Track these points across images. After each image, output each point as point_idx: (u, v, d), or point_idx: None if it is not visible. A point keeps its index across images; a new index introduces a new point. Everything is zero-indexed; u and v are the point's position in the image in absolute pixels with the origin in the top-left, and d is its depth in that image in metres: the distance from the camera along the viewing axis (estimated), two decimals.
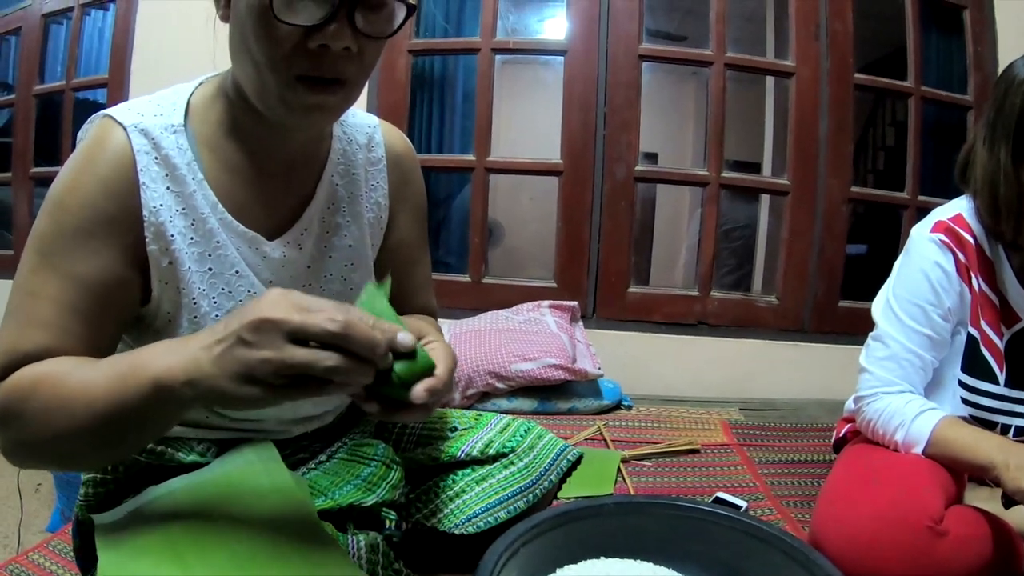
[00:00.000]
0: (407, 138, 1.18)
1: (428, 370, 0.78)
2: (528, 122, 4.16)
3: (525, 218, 4.62)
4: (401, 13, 0.86)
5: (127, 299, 0.89)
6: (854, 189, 2.75)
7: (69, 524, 1.47)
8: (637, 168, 2.73)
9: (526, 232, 4.62)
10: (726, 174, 2.77)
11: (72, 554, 1.35)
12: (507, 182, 3.43)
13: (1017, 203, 1.35)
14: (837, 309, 2.73)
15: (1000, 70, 2.55)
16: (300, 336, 0.68)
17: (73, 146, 2.57)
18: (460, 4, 3.09)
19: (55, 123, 3.26)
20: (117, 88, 3.01)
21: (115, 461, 0.97)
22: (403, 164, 1.15)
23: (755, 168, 2.92)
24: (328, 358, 0.68)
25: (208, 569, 0.76)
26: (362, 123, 1.11)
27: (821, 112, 2.71)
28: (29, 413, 0.77)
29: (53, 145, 3.26)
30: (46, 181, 3.32)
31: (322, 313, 0.69)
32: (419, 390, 0.76)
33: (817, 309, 2.75)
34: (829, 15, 2.69)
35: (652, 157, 5.32)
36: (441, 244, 3.52)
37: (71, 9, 3.23)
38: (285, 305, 0.69)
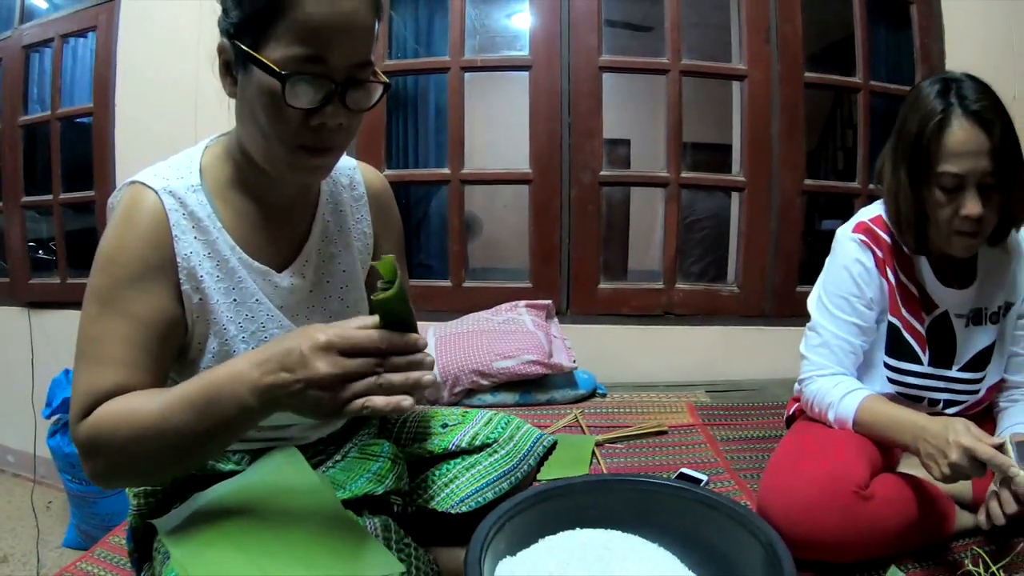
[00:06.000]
0: (382, 175, 1.36)
1: None
2: (501, 125, 4.23)
3: (502, 215, 4.74)
4: (379, 90, 1.04)
5: (177, 332, 1.06)
6: (807, 182, 2.88)
7: (111, 533, 1.64)
8: (602, 173, 2.87)
9: (504, 227, 4.73)
10: (685, 174, 2.91)
11: (116, 559, 1.53)
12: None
13: (915, 220, 1.51)
14: (795, 294, 2.85)
15: (947, 63, 2.70)
16: (347, 350, 0.85)
17: (65, 175, 2.71)
18: (429, 25, 3.22)
19: (44, 152, 3.33)
20: (102, 116, 3.08)
21: (193, 471, 1.14)
22: (381, 199, 1.33)
23: (726, 150, 3.05)
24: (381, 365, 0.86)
25: (264, 552, 0.94)
26: (343, 166, 1.28)
27: (773, 111, 2.82)
28: (118, 444, 0.93)
29: (45, 173, 3.33)
30: (38, 209, 3.42)
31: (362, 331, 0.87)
32: None
33: (776, 295, 2.89)
34: (779, 18, 2.80)
35: (624, 143, 5.42)
36: (422, 250, 3.65)
37: (51, 40, 3.28)
38: (326, 337, 0.86)
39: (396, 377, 0.86)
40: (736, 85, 2.91)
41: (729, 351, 2.90)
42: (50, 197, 3.33)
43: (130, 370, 0.98)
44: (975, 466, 1.27)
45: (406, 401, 0.85)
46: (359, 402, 0.84)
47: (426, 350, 0.91)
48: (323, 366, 0.84)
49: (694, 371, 2.84)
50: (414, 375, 0.87)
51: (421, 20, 3.25)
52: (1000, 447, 1.27)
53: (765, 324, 2.90)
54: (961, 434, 1.29)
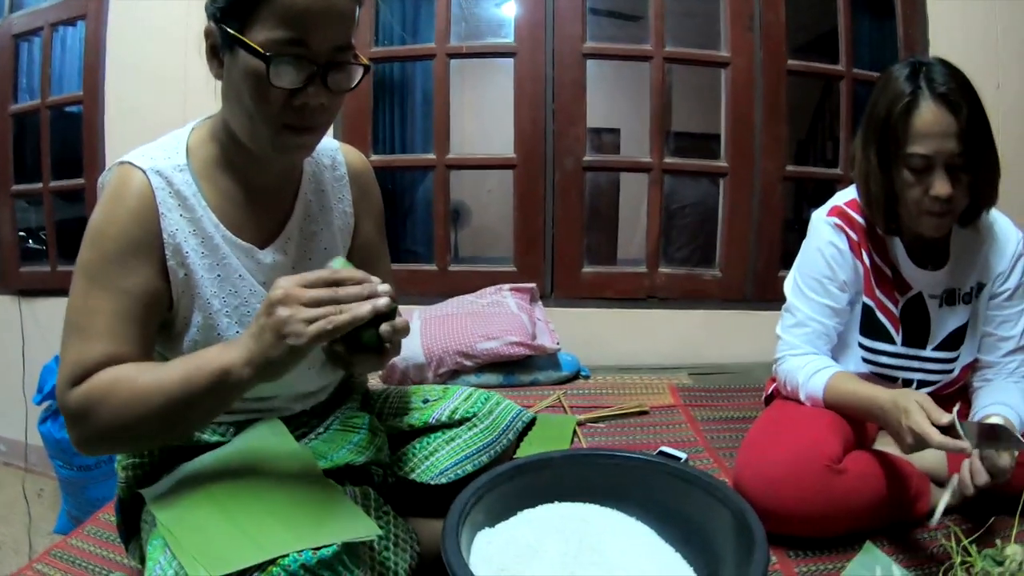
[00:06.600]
0: (363, 156, 1.39)
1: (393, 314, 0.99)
2: (487, 111, 4.27)
3: (489, 201, 4.77)
4: (359, 71, 1.08)
5: (162, 305, 1.10)
6: (789, 168, 2.92)
7: (101, 510, 1.68)
8: (585, 158, 2.90)
9: (491, 213, 4.75)
10: (668, 159, 2.94)
11: (106, 535, 1.57)
12: (471, 171, 3.58)
13: (885, 201, 1.55)
14: (776, 278, 2.87)
15: (930, 52, 2.75)
16: (306, 285, 0.92)
17: (55, 165, 2.72)
18: (415, 12, 3.25)
19: (33, 141, 3.34)
20: (92, 104, 3.09)
21: (182, 439, 1.18)
22: (361, 179, 1.36)
23: (715, 139, 3.08)
24: (336, 292, 0.92)
25: (246, 515, 0.98)
26: (326, 147, 1.31)
27: (756, 99, 2.85)
28: (108, 409, 0.97)
29: (34, 162, 3.34)
30: (28, 197, 3.43)
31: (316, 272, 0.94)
32: (385, 327, 0.95)
33: (758, 279, 2.93)
34: (762, 6, 2.82)
35: (614, 132, 5.43)
36: (409, 234, 3.68)
37: (41, 28, 3.28)
38: (288, 278, 0.93)
39: (352, 290, 0.93)
40: (723, 74, 2.93)
41: (711, 334, 2.93)
42: (40, 185, 3.34)
43: (118, 341, 1.03)
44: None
45: (364, 307, 0.92)
46: (320, 322, 0.90)
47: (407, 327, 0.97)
48: (282, 285, 0.92)
49: (677, 354, 2.88)
50: (368, 291, 0.94)
51: (407, 7, 3.28)
52: (950, 427, 1.30)
53: (747, 308, 2.94)
54: (913, 414, 1.32)
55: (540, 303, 2.87)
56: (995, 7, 2.78)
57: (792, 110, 2.92)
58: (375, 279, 0.96)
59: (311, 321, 0.90)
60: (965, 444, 1.27)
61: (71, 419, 1.01)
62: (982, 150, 1.46)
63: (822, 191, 3.70)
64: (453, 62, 2.97)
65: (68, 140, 3.27)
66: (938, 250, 1.65)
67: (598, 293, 2.96)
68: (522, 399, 2.28)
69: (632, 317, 2.94)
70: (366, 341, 0.96)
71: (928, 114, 1.44)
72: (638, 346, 2.90)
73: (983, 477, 1.33)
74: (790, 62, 2.87)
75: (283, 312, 0.90)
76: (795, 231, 3.04)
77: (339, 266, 0.99)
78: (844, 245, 1.64)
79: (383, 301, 0.93)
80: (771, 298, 2.78)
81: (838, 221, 1.65)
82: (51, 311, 3.16)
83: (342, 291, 0.93)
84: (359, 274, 0.96)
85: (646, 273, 2.96)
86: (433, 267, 3.04)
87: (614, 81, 4.72)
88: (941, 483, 1.58)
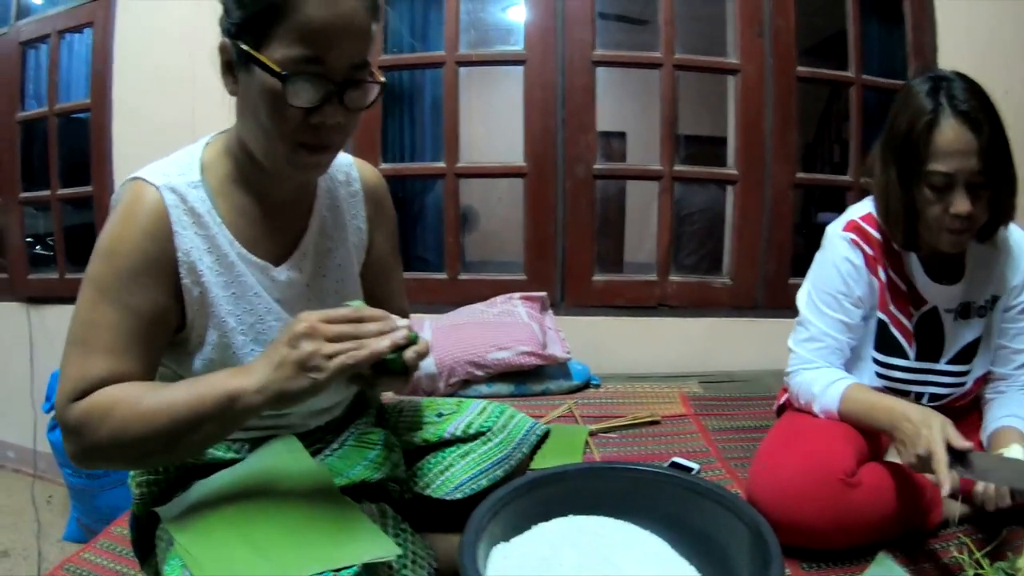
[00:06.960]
0: (377, 171, 1.39)
1: (414, 341, 1.00)
2: (496, 119, 4.25)
3: (497, 209, 4.78)
4: (376, 89, 1.07)
5: (169, 325, 1.09)
6: (800, 175, 2.91)
7: (114, 524, 1.67)
8: (596, 166, 2.89)
9: (499, 220, 4.76)
10: (679, 167, 2.93)
11: (119, 548, 1.56)
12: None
13: (905, 217, 1.53)
14: (787, 286, 2.87)
15: (939, 57, 2.72)
16: (328, 321, 0.94)
17: (63, 171, 2.72)
18: (424, 19, 3.24)
19: (41, 148, 3.34)
20: (100, 111, 3.09)
21: (183, 460, 1.18)
22: (376, 194, 1.35)
23: (721, 142, 3.07)
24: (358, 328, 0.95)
25: (265, 536, 0.98)
26: (340, 163, 1.30)
27: (766, 105, 2.84)
28: (108, 427, 0.96)
29: (42, 169, 3.34)
30: (36, 204, 3.44)
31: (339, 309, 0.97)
32: (409, 353, 0.97)
33: (769, 286, 2.91)
34: (772, 12, 2.81)
35: (620, 136, 5.43)
36: (419, 243, 3.67)
37: (48, 36, 3.28)
38: (311, 313, 0.94)
39: (372, 327, 0.96)
40: (730, 79, 2.92)
41: (722, 342, 2.92)
42: (48, 192, 3.34)
43: (121, 359, 1.02)
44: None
45: (383, 342, 0.94)
46: (342, 357, 0.92)
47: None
48: (305, 319, 0.93)
49: (687, 362, 2.87)
50: (388, 327, 0.96)
51: (417, 15, 3.27)
52: (962, 455, 1.30)
53: (757, 315, 2.93)
54: (935, 430, 1.32)
55: (551, 312, 2.86)
56: (1003, 13, 2.78)
57: (799, 113, 2.92)
58: (394, 316, 0.98)
59: (333, 356, 0.91)
60: (947, 485, 1.25)
61: (69, 433, 1.00)
62: (1002, 167, 1.45)
63: (831, 195, 3.69)
64: (462, 69, 2.96)
65: (76, 146, 3.27)
66: (954, 264, 1.64)
67: (608, 301, 2.95)
68: (533, 409, 2.28)
69: (642, 325, 2.93)
70: (391, 366, 0.98)
71: (950, 132, 1.43)
72: (648, 354, 2.90)
73: (1007, 501, 1.34)
74: (800, 68, 2.86)
75: (308, 346, 0.91)
76: (803, 235, 3.03)
77: (357, 307, 1.01)
78: (860, 261, 1.63)
79: (401, 334, 0.95)
80: (782, 305, 2.81)
81: (854, 236, 1.64)
82: (59, 318, 3.16)
83: (362, 327, 0.95)
84: (379, 313, 0.98)
85: (656, 281, 2.95)
86: (443, 276, 3.03)
87: (620, 84, 4.72)
88: (952, 495, 1.57)
